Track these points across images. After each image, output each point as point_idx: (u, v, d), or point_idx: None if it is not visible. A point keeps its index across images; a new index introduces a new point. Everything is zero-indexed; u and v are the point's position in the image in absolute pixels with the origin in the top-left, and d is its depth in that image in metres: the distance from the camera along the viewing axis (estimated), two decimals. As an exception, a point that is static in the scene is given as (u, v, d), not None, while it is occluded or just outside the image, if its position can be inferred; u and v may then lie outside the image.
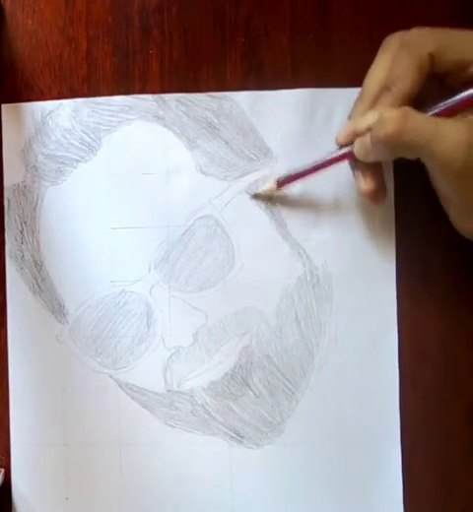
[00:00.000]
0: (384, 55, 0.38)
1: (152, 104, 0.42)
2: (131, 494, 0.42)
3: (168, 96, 0.42)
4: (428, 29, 0.37)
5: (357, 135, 0.38)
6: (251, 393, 0.42)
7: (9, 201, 0.42)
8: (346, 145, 0.39)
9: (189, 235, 0.42)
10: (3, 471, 0.42)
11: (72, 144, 0.42)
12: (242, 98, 0.42)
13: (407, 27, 0.41)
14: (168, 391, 0.42)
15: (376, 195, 0.39)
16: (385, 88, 0.37)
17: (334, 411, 0.42)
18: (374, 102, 0.37)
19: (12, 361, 0.42)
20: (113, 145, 0.42)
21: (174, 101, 0.42)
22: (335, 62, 0.42)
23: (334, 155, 0.39)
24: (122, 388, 0.42)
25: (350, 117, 0.39)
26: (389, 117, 0.35)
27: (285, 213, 0.42)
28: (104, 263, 0.42)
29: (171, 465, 0.42)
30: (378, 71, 0.38)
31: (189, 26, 0.42)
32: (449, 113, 0.36)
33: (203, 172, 0.42)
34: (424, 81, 0.36)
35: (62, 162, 0.42)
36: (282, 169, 0.41)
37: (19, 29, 0.42)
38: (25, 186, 0.42)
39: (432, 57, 0.36)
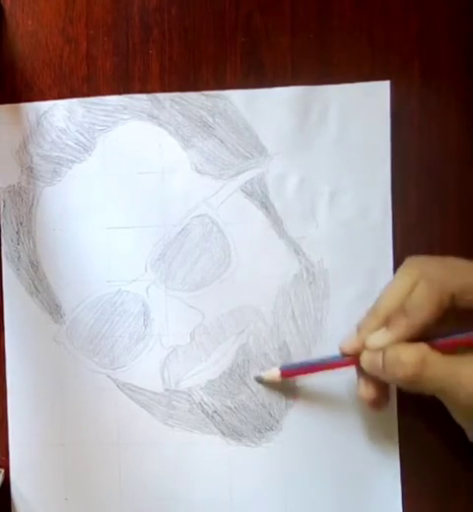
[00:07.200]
0: (404, 278, 0.37)
1: (146, 104, 0.42)
2: (130, 494, 0.42)
3: (162, 96, 0.42)
4: (450, 267, 0.36)
5: (365, 347, 0.37)
6: (249, 391, 0.42)
7: (4, 202, 0.42)
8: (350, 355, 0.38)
9: (185, 234, 0.42)
10: (3, 471, 0.42)
11: (67, 144, 0.42)
12: (237, 97, 0.41)
13: (407, 26, 0.41)
14: (166, 390, 0.42)
15: (377, 403, 0.38)
16: (402, 311, 0.36)
17: (333, 407, 0.42)
18: (388, 321, 0.37)
19: (9, 362, 0.42)
20: (108, 145, 0.42)
21: (169, 101, 0.42)
22: (335, 62, 0.42)
23: (340, 360, 0.39)
24: (120, 388, 0.42)
25: (359, 328, 0.38)
26: (407, 362, 0.35)
27: (280, 210, 0.42)
28: (101, 263, 0.42)
29: (170, 464, 0.42)
30: (396, 292, 0.37)
31: (189, 26, 0.42)
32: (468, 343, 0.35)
33: (198, 171, 0.42)
34: (442, 314, 0.35)
35: (57, 163, 0.42)
36: (277, 168, 0.41)
37: (19, 29, 0.42)
38: (20, 187, 0.42)
39: (453, 296, 0.35)
